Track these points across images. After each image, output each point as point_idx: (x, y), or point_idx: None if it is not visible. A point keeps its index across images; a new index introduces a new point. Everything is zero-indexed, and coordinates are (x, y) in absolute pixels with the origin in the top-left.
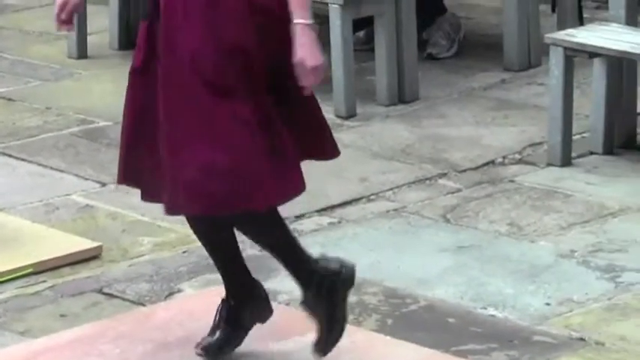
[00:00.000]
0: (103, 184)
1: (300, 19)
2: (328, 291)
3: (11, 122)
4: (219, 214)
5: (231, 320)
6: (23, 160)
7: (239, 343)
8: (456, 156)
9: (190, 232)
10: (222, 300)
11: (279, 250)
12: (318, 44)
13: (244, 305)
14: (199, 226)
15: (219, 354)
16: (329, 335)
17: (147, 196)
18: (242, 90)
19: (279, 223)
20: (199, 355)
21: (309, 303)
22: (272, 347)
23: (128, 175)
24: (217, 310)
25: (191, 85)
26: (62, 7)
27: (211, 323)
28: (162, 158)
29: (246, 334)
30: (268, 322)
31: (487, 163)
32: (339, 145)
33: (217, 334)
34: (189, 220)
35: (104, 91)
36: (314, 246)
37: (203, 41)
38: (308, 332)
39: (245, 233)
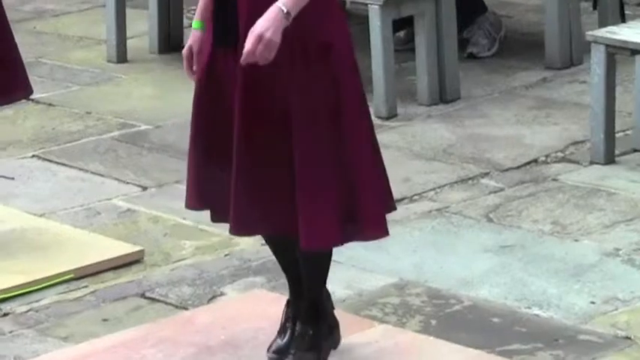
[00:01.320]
0: (144, 188)
1: (283, 5)
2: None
3: (51, 127)
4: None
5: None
6: (64, 165)
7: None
8: (498, 155)
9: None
10: (288, 301)
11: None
12: (281, 29)
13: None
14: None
15: (290, 355)
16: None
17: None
18: None
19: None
20: (272, 359)
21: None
22: None
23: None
24: (283, 312)
25: None
26: (190, 58)
27: (257, 325)
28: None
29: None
30: None
31: (529, 162)
32: (381, 145)
33: (287, 335)
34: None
35: (144, 95)
36: (357, 247)
37: None
38: (352, 332)
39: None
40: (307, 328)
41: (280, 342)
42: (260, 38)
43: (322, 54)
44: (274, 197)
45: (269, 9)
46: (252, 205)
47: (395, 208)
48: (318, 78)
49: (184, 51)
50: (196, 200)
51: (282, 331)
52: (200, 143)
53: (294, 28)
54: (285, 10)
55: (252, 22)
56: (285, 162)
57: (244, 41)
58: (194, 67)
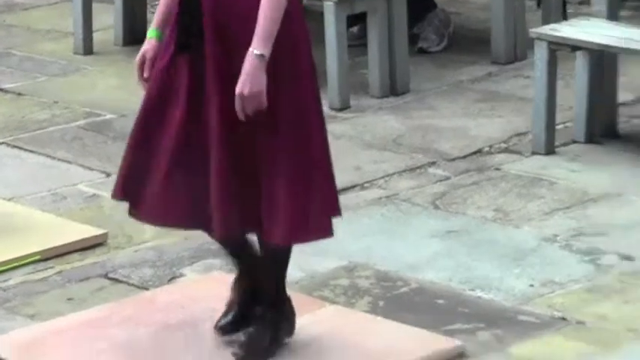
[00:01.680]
0: (108, 175)
1: (253, 47)
2: (274, 322)
3: (20, 116)
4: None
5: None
6: (32, 152)
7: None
8: (445, 146)
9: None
10: (235, 281)
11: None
12: (261, 74)
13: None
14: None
15: (234, 332)
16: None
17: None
18: None
19: None
20: (217, 329)
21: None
22: None
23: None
24: (231, 291)
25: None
26: (141, 64)
27: (213, 305)
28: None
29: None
30: None
31: (474, 152)
32: (331, 137)
33: (232, 313)
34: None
35: (109, 85)
36: None
37: None
38: (304, 313)
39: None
40: (267, 312)
41: (225, 320)
42: (241, 98)
43: (288, 58)
44: (249, 198)
45: (246, 59)
46: (234, 205)
47: (340, 214)
48: (285, 80)
49: (137, 59)
50: (121, 191)
51: (228, 310)
52: (140, 140)
53: None
54: (258, 53)
55: (218, 27)
56: (255, 165)
57: (212, 45)
58: (145, 74)
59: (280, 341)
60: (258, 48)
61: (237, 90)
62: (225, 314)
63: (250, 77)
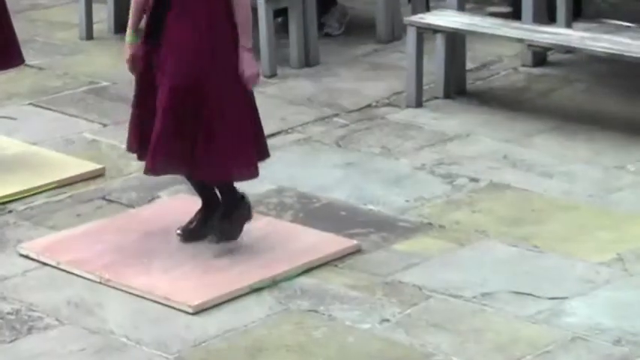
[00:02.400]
0: (105, 125)
1: (242, 43)
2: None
3: (41, 84)
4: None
5: (203, 218)
6: (49, 109)
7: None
8: (345, 102)
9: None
10: (201, 208)
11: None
12: (253, 59)
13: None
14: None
15: (193, 237)
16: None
17: None
18: None
19: None
20: (178, 234)
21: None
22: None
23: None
24: (196, 212)
25: None
26: (131, 62)
27: (181, 218)
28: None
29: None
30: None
31: (366, 107)
32: (264, 96)
33: (193, 223)
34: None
35: (105, 62)
36: None
37: None
38: (254, 221)
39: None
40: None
41: (188, 225)
42: (247, 79)
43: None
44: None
45: (240, 51)
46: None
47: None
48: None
49: (128, 62)
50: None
51: (191, 220)
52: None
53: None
54: (247, 47)
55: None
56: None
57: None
58: (136, 67)
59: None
60: (244, 43)
61: (242, 75)
62: (187, 225)
63: (245, 64)
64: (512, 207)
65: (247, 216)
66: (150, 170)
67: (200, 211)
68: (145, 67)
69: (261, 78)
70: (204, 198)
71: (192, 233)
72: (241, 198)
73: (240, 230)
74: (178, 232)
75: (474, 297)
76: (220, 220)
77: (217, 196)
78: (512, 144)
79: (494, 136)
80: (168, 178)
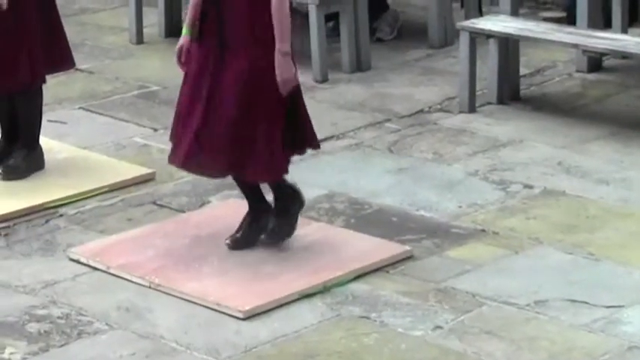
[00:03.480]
0: (155, 130)
1: (277, 46)
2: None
3: (91, 88)
4: None
5: (252, 225)
6: (100, 114)
7: (256, 239)
8: (397, 107)
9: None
10: (248, 212)
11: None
12: (289, 63)
13: (260, 217)
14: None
15: (242, 245)
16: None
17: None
18: None
19: None
20: (228, 245)
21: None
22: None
23: None
24: (244, 217)
25: None
26: (179, 54)
27: (232, 223)
28: None
29: (260, 234)
30: None
31: (418, 112)
32: (314, 101)
33: (240, 231)
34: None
35: (155, 66)
36: (301, 171)
37: None
38: (297, 228)
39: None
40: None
41: (235, 234)
42: (282, 84)
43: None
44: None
45: (275, 55)
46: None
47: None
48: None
49: (176, 49)
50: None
51: (238, 229)
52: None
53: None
54: (282, 50)
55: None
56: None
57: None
58: (183, 60)
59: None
60: (281, 47)
61: (278, 79)
62: (235, 234)
63: (281, 69)
64: (567, 214)
65: (300, 207)
66: (180, 164)
67: (247, 216)
68: (198, 69)
69: (310, 82)
70: (251, 200)
71: (240, 241)
72: (294, 190)
73: (295, 227)
74: (227, 242)
75: (528, 305)
76: (277, 217)
77: (265, 199)
78: (567, 150)
79: (548, 142)
80: (219, 183)
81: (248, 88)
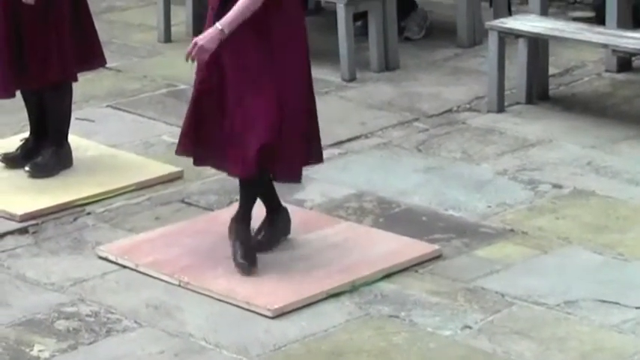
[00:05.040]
0: None
1: (220, 25)
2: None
3: (120, 86)
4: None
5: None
6: (129, 112)
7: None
8: (425, 106)
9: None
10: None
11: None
12: (213, 38)
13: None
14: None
15: (265, 248)
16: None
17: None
18: None
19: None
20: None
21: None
22: (301, 237)
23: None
24: (263, 220)
25: None
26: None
27: (257, 221)
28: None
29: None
30: (299, 219)
31: (446, 111)
32: (343, 100)
33: (262, 234)
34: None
35: (183, 64)
36: (329, 169)
37: None
38: (325, 227)
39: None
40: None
41: (256, 238)
42: (195, 44)
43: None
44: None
45: (212, 27)
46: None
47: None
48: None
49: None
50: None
51: (257, 231)
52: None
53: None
54: (219, 27)
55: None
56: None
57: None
58: (193, 54)
59: (277, 238)
60: (221, 23)
61: (195, 39)
62: (255, 236)
63: (206, 37)
64: (597, 214)
65: (286, 232)
66: (250, 173)
67: (265, 219)
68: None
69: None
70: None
71: (262, 244)
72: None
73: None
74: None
75: (558, 305)
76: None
77: (278, 199)
78: (597, 150)
79: (577, 142)
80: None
81: None
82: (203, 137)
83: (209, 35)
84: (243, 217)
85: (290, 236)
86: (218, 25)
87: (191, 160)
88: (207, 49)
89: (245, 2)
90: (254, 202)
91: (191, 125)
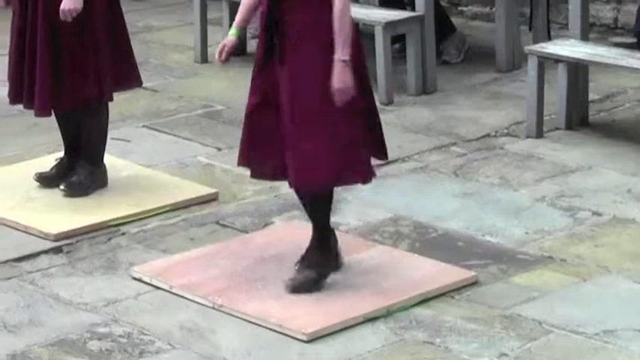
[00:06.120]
0: (219, 149)
1: (337, 55)
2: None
3: (156, 106)
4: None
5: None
6: (164, 132)
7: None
8: (463, 130)
9: (279, 182)
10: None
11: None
12: (346, 74)
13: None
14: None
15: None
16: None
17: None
18: None
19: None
20: (298, 270)
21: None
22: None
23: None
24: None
25: None
26: (221, 50)
27: (295, 244)
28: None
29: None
30: None
31: (484, 136)
32: (382, 123)
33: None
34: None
35: (219, 85)
36: (365, 193)
37: None
38: (360, 251)
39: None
40: (314, 251)
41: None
42: (336, 92)
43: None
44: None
45: (334, 63)
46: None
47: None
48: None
49: (219, 45)
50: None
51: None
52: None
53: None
54: (342, 59)
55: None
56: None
57: (289, 57)
58: (223, 57)
59: (326, 277)
60: (342, 54)
61: (333, 87)
62: (302, 257)
63: (339, 77)
64: (637, 242)
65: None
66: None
67: (312, 239)
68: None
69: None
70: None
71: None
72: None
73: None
74: (297, 267)
75: (596, 334)
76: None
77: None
78: (637, 177)
79: (617, 169)
80: (283, 204)
81: None
82: (260, 149)
83: (340, 75)
84: (320, 244)
85: None
86: (337, 58)
87: (226, 181)
88: (347, 87)
89: (342, 20)
90: (328, 221)
91: (246, 138)
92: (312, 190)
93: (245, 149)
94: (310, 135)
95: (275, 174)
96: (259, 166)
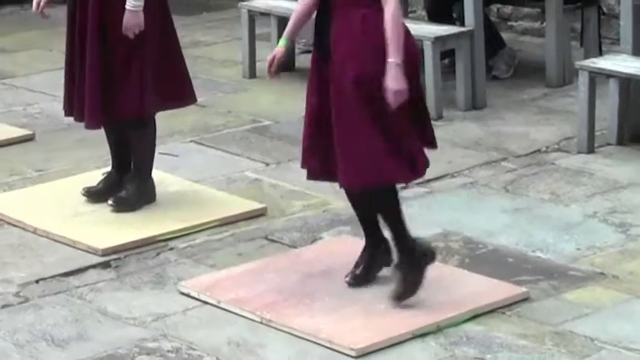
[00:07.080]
0: (267, 164)
1: (391, 58)
2: (417, 261)
3: (204, 122)
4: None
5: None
6: (212, 147)
7: (375, 275)
8: (513, 146)
9: (328, 197)
10: (364, 247)
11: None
12: (399, 76)
13: (377, 252)
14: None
15: (363, 282)
16: (405, 290)
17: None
18: None
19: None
20: (348, 282)
21: (402, 265)
22: (386, 276)
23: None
24: (360, 253)
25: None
26: (271, 62)
27: (344, 259)
28: None
29: (379, 269)
30: None
31: (535, 151)
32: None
33: (360, 267)
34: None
35: (268, 100)
36: (415, 208)
37: None
38: None
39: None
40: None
41: (354, 270)
42: (390, 95)
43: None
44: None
45: (388, 66)
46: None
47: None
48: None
49: (268, 57)
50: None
51: (356, 265)
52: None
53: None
54: (395, 62)
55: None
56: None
57: (334, 54)
58: (273, 68)
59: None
60: (395, 58)
61: (387, 88)
62: (354, 270)
63: (393, 80)
64: None
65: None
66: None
67: (363, 252)
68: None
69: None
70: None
71: (360, 278)
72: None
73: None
74: (347, 280)
75: None
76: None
77: (381, 232)
78: None
79: None
80: (331, 219)
81: None
82: (317, 152)
83: (394, 77)
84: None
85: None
86: (391, 61)
87: (274, 196)
88: (402, 89)
89: (394, 23)
90: (403, 225)
91: (306, 140)
92: (358, 189)
93: (304, 151)
94: (352, 134)
95: (329, 175)
96: (314, 169)
